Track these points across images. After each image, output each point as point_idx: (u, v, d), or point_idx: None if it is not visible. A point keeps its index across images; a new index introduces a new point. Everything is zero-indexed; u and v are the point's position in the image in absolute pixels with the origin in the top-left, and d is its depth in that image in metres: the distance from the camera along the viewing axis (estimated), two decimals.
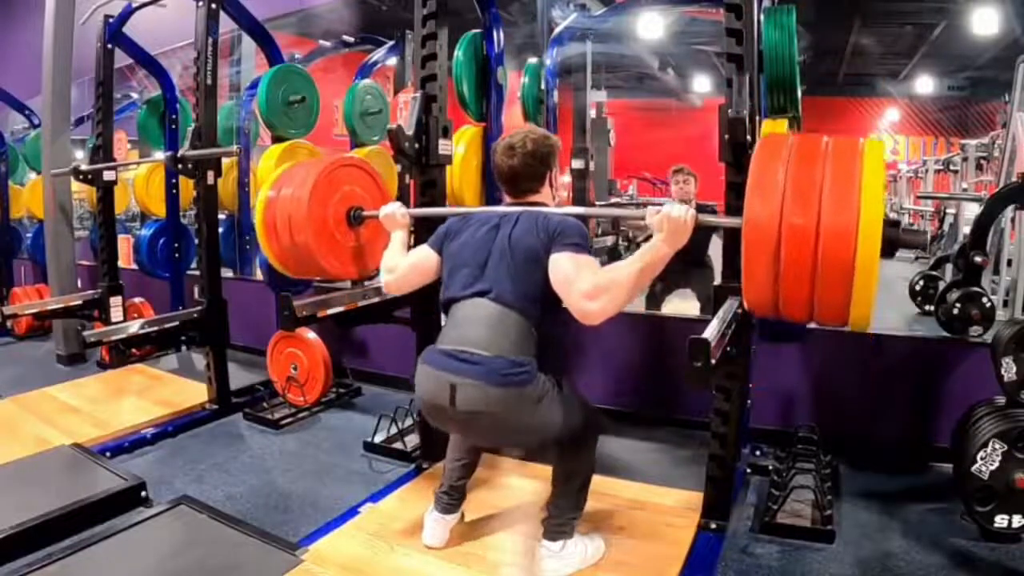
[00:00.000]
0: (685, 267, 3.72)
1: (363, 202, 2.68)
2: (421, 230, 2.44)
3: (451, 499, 2.11)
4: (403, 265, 2.09)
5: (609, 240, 6.23)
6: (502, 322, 1.78)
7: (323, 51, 5.36)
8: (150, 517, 2.26)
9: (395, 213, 2.29)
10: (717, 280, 2.20)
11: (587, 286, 1.69)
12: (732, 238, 2.14)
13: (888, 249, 1.56)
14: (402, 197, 3.48)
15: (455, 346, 1.79)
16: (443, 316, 1.95)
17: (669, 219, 1.71)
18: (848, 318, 1.63)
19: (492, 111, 3.22)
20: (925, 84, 9.91)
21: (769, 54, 2.44)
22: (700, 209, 3.80)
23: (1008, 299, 3.75)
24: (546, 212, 1.88)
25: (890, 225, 1.56)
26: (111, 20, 3.95)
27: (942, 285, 3.81)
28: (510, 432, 1.85)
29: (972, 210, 4.54)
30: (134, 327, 3.27)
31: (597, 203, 6.12)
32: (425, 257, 2.05)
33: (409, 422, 3.01)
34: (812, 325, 1.79)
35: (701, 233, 3.57)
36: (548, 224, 1.82)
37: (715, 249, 2.55)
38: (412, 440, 2.91)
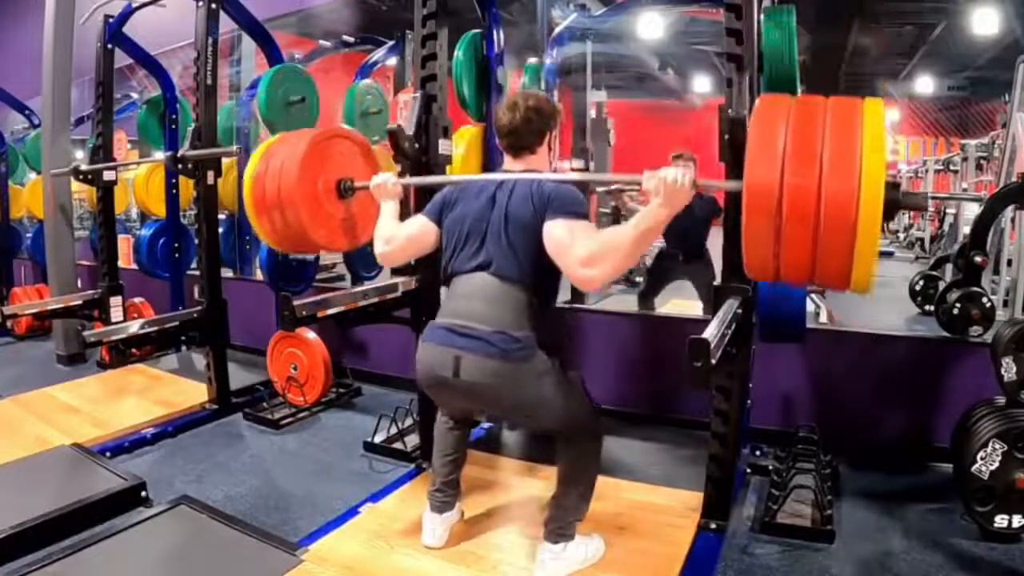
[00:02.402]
0: (684, 259, 3.72)
1: (353, 174, 2.64)
2: (422, 200, 2.38)
3: (445, 496, 2.11)
4: (400, 236, 2.07)
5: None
6: (502, 296, 1.80)
7: (323, 51, 5.36)
8: (150, 517, 2.26)
9: (387, 183, 2.26)
10: (716, 275, 2.19)
11: (583, 252, 1.69)
12: (732, 238, 2.14)
13: (889, 211, 1.55)
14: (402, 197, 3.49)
15: (457, 320, 1.82)
16: (443, 288, 1.96)
17: (666, 183, 1.69)
18: (850, 280, 1.61)
19: (492, 111, 3.22)
20: (925, 84, 9.90)
21: (769, 54, 2.44)
22: (699, 195, 3.80)
23: (1008, 299, 3.75)
24: (540, 179, 1.88)
25: (891, 187, 1.54)
26: (111, 20, 3.95)
27: (942, 285, 3.81)
28: (512, 405, 1.85)
29: (972, 210, 4.54)
30: (134, 327, 3.27)
31: (598, 209, 6.14)
32: (423, 227, 2.03)
33: (409, 422, 3.01)
34: (811, 325, 1.78)
35: (698, 224, 3.59)
36: (542, 191, 1.82)
37: (715, 252, 2.55)
38: (412, 440, 2.91)
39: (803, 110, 1.68)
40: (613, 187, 5.00)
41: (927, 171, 7.69)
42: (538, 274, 1.81)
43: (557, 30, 3.97)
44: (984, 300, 2.80)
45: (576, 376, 1.99)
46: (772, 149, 1.61)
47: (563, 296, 1.98)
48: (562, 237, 1.74)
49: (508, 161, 2.00)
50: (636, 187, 1.80)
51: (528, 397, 1.81)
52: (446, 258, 1.96)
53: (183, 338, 3.79)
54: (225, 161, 3.79)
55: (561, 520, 1.94)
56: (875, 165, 1.52)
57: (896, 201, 1.58)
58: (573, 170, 4.73)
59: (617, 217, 6.34)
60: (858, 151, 1.54)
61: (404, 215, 2.25)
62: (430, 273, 2.03)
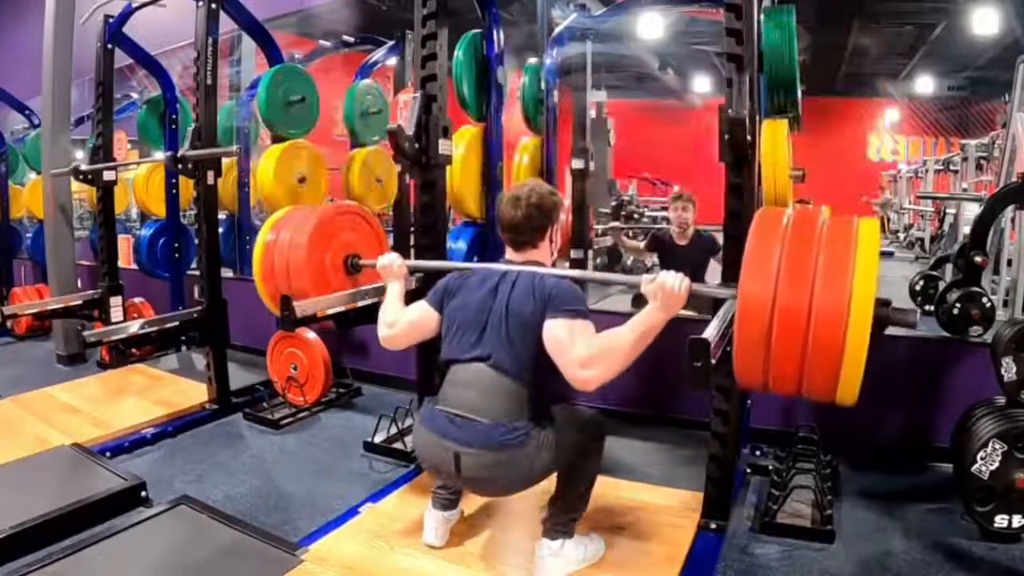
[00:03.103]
0: None
1: (361, 250, 2.74)
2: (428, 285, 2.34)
3: (449, 493, 2.12)
4: (403, 322, 2.10)
5: (609, 240, 6.24)
6: (499, 389, 1.83)
7: (323, 51, 5.35)
8: (150, 517, 2.26)
9: (392, 264, 2.27)
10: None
11: (583, 353, 1.72)
12: (733, 241, 2.15)
13: (879, 328, 1.59)
14: (402, 197, 3.49)
15: (455, 410, 1.86)
16: (440, 375, 1.99)
17: (663, 288, 1.72)
18: (835, 396, 1.66)
19: (492, 111, 3.22)
20: (925, 84, 9.91)
21: (769, 54, 2.44)
22: (698, 235, 3.80)
23: (1008, 299, 3.75)
24: (542, 273, 1.91)
25: (881, 305, 1.59)
26: (111, 20, 3.95)
27: (942, 285, 3.80)
28: (515, 483, 1.89)
29: (972, 210, 4.54)
30: (134, 327, 3.28)
31: (597, 208, 6.13)
32: (424, 315, 2.06)
33: (409, 422, 3.01)
34: None
35: (699, 259, 3.59)
36: (543, 288, 1.85)
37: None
38: (412, 440, 2.91)
39: (799, 226, 1.72)
40: (611, 225, 5.05)
41: (927, 171, 7.69)
42: (537, 370, 1.83)
43: (557, 30, 3.96)
44: (984, 300, 2.80)
45: (563, 410, 1.95)
46: (767, 264, 1.65)
47: None
48: (562, 337, 1.77)
49: (510, 253, 2.03)
50: (636, 286, 1.83)
51: (527, 473, 1.84)
52: (445, 344, 1.99)
53: (183, 338, 3.79)
54: (225, 161, 3.80)
55: (560, 517, 1.95)
56: (865, 286, 1.56)
57: (885, 318, 1.62)
58: (573, 170, 4.72)
59: (618, 215, 6.37)
60: (849, 275, 1.58)
61: (404, 221, 2.27)
62: (430, 273, 2.03)
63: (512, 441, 1.78)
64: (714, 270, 3.20)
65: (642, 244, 4.17)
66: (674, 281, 1.72)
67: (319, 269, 2.61)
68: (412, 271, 2.35)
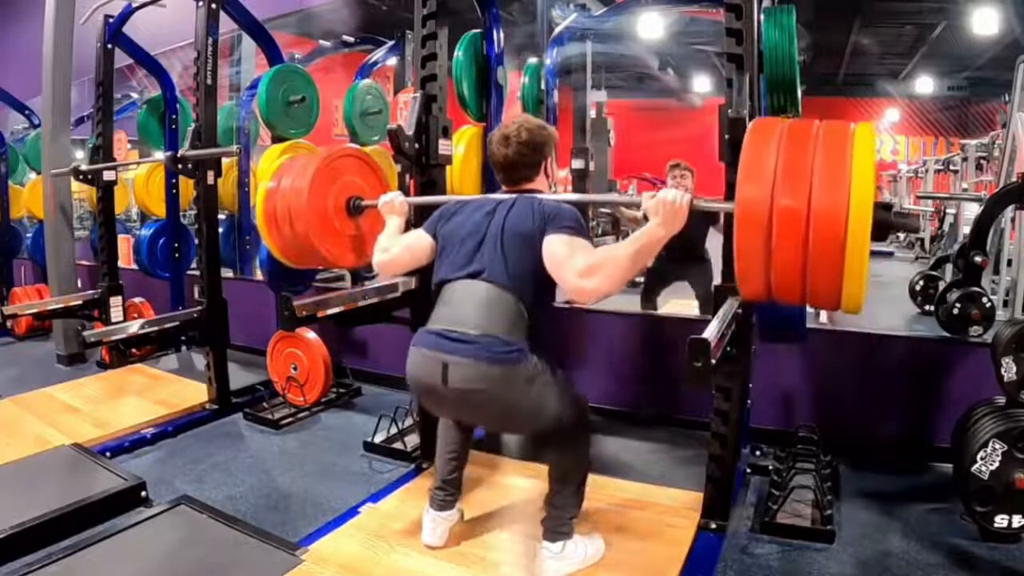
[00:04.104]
0: (683, 261, 3.72)
1: (363, 192, 2.69)
2: (420, 219, 2.42)
3: (446, 495, 2.11)
4: (397, 246, 2.11)
5: (609, 240, 6.25)
6: (494, 302, 1.79)
7: (323, 51, 5.36)
8: (150, 517, 2.26)
9: (394, 201, 2.32)
10: (715, 275, 2.20)
11: (581, 265, 1.71)
12: (732, 233, 2.14)
13: (880, 232, 1.56)
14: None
15: (446, 326, 1.80)
16: (435, 297, 1.94)
17: (664, 203, 1.73)
18: (840, 301, 1.62)
19: (492, 111, 3.22)
20: (925, 84, 9.92)
21: (769, 54, 2.43)
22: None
23: (1008, 299, 3.75)
24: (541, 198, 1.90)
25: (882, 208, 1.56)
26: (111, 20, 3.96)
27: (942, 285, 3.81)
28: (504, 412, 1.84)
29: (972, 210, 4.54)
30: (134, 327, 3.28)
31: (600, 209, 6.13)
32: (419, 239, 2.06)
33: (409, 422, 3.01)
34: (812, 325, 1.79)
35: (697, 226, 3.60)
36: (543, 209, 1.84)
37: (713, 250, 2.55)
38: (412, 440, 2.91)
39: (794, 133, 1.70)
40: (608, 197, 5.01)
41: (927, 171, 7.69)
42: (533, 287, 1.80)
43: (557, 30, 3.97)
44: (984, 300, 2.80)
45: (566, 373, 1.97)
46: (763, 170, 1.63)
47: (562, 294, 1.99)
48: (561, 250, 1.75)
49: (505, 189, 2.02)
50: (636, 212, 1.82)
51: (518, 402, 1.79)
52: (437, 266, 1.97)
53: (183, 338, 3.79)
54: (225, 161, 3.80)
55: (558, 518, 1.94)
56: (864, 186, 1.54)
57: (887, 221, 1.59)
58: (573, 170, 4.73)
59: (615, 223, 6.37)
60: (847, 175, 1.56)
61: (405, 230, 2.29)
62: (430, 273, 2.03)
63: (505, 356, 1.72)
64: (715, 265, 3.19)
65: (641, 215, 4.13)
66: (675, 196, 1.73)
67: (322, 212, 2.58)
68: (413, 207, 2.36)
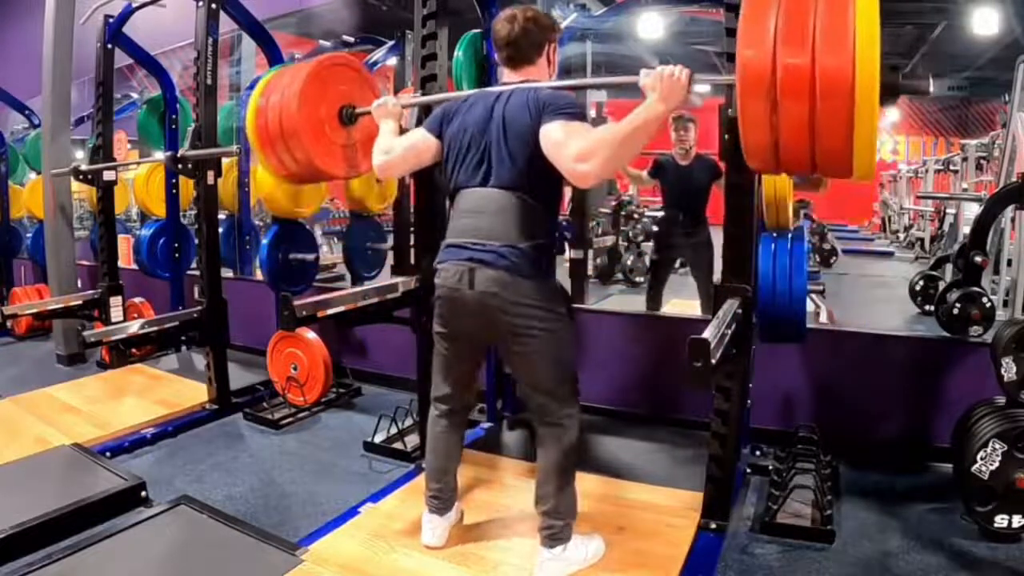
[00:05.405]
0: (684, 228, 3.69)
1: (354, 99, 2.67)
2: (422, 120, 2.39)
3: (441, 500, 2.09)
4: (399, 147, 2.10)
5: (609, 240, 6.24)
6: (507, 207, 1.83)
7: (323, 51, 5.36)
8: (150, 517, 2.26)
9: (387, 102, 2.31)
10: (716, 259, 2.18)
11: (578, 147, 1.71)
12: (734, 240, 2.15)
13: (888, 94, 1.49)
14: (402, 197, 3.48)
15: (470, 238, 1.86)
16: (449, 204, 1.98)
17: (663, 76, 1.70)
18: (851, 166, 1.56)
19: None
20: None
21: None
22: (700, 157, 3.72)
23: (1008, 299, 3.74)
24: (536, 86, 1.90)
25: (889, 69, 1.49)
26: (111, 20, 3.95)
27: (942, 285, 3.81)
28: (512, 325, 1.83)
29: (972, 210, 4.54)
30: (134, 327, 3.27)
31: (597, 209, 6.14)
32: (423, 140, 2.05)
33: (409, 422, 3.01)
34: (812, 325, 1.76)
35: (700, 181, 3.55)
36: (539, 97, 1.84)
37: (715, 237, 2.55)
38: (412, 440, 2.91)
39: None
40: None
41: (927, 171, 7.69)
42: (538, 179, 1.83)
43: None
44: (984, 300, 2.80)
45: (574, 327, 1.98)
46: (763, 29, 1.56)
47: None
48: (558, 136, 1.75)
49: (507, 74, 2.01)
50: (634, 81, 1.78)
51: (529, 320, 1.81)
52: (449, 172, 1.98)
53: (183, 338, 3.79)
54: (225, 161, 3.79)
55: (554, 524, 1.91)
56: (869, 44, 1.47)
57: (894, 84, 1.52)
58: None
59: (618, 215, 6.37)
60: (851, 29, 1.49)
61: (404, 221, 2.27)
62: (431, 273, 2.02)
63: (523, 266, 1.79)
64: (715, 267, 3.19)
65: (644, 173, 4.07)
66: (674, 69, 1.70)
67: (315, 122, 2.56)
68: (407, 107, 2.36)
